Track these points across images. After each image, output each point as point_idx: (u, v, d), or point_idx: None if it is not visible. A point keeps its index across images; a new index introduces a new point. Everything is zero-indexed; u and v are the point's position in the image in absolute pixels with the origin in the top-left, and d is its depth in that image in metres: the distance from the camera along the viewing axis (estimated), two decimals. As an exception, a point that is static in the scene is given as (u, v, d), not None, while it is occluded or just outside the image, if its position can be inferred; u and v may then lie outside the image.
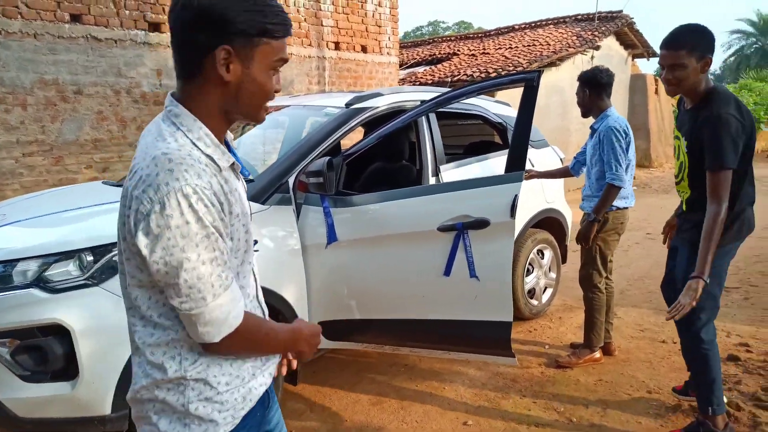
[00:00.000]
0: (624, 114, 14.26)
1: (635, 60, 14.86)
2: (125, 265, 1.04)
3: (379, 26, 8.49)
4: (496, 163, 3.78)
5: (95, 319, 2.08)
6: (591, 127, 3.37)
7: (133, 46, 6.05)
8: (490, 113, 4.05)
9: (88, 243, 2.17)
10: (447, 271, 2.42)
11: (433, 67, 12.58)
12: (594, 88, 3.27)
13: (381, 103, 3.21)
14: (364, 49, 8.38)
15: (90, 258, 2.17)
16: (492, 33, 15.22)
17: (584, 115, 3.38)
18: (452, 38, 16.76)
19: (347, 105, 3.11)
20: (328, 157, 2.55)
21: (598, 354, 3.45)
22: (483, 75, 10.12)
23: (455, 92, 2.74)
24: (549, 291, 4.31)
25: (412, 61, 13.82)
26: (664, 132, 15.09)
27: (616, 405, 2.91)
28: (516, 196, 2.34)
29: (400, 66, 12.85)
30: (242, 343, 1.06)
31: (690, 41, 2.18)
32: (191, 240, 0.94)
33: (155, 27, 6.22)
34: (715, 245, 2.16)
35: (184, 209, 0.93)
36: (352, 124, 3.01)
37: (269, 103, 1.13)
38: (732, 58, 41.77)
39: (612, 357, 3.48)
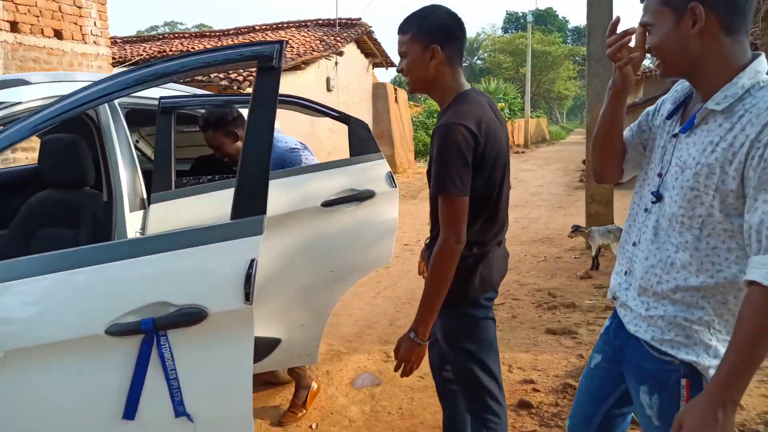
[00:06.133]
0: (369, 121, 14.49)
1: (375, 69, 15.23)
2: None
3: (80, 7, 6.65)
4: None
5: None
6: None
7: None
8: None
9: None
10: (129, 412, 1.28)
11: (162, 65, 10.86)
12: None
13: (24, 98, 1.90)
14: (58, 35, 6.46)
15: None
16: (231, 32, 14.06)
17: None
18: (187, 35, 15.09)
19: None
20: None
21: None
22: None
23: (137, 73, 1.58)
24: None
25: (138, 58, 11.84)
26: (405, 139, 15.78)
27: None
28: (254, 261, 1.31)
29: (122, 62, 10.82)
30: None
31: (413, 25, 1.68)
32: None
33: None
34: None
35: None
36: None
37: None
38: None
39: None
